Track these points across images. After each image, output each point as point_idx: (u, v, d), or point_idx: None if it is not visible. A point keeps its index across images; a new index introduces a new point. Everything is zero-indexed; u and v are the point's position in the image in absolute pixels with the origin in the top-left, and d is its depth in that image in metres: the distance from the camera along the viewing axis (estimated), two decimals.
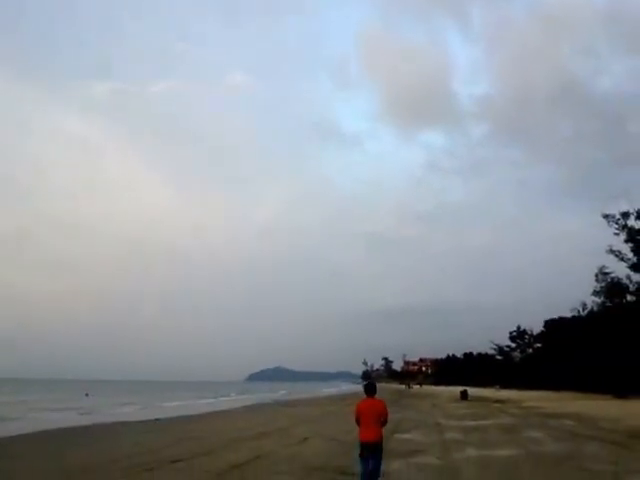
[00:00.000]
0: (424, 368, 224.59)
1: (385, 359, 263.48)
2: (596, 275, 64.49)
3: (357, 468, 10.63)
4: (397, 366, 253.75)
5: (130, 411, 43.96)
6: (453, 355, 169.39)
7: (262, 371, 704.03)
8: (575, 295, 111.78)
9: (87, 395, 79.70)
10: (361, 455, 9.96)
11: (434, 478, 11.51)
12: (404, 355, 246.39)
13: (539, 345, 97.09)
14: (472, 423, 25.51)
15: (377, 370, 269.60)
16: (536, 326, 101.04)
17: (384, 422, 10.03)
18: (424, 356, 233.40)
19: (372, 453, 9.90)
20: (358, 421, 10.11)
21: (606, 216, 58.80)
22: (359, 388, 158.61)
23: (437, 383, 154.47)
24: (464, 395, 57.50)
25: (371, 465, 9.87)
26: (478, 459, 13.84)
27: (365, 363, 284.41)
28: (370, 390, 10.33)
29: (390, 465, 13.07)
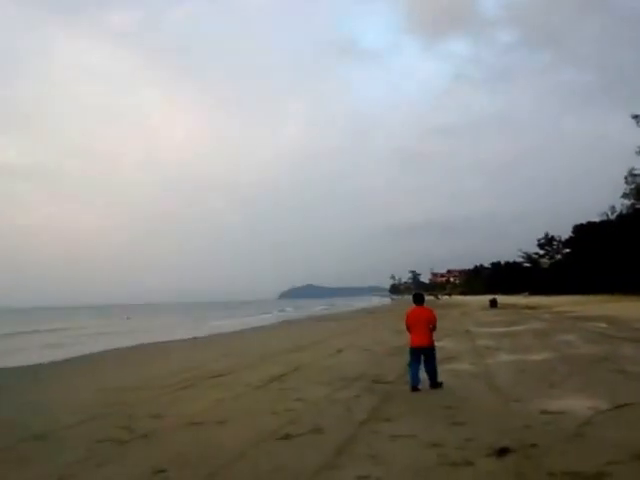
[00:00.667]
0: (452, 279, 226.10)
1: (413, 272, 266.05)
2: (625, 177, 63.04)
3: (407, 375, 11.45)
4: (425, 279, 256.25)
5: (170, 331, 45.16)
6: (481, 265, 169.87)
7: (294, 289, 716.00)
8: (604, 199, 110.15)
9: (128, 318, 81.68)
10: (411, 360, 11.08)
11: (471, 383, 11.62)
12: (431, 268, 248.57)
13: (568, 251, 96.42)
14: (503, 329, 25.72)
15: (405, 283, 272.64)
16: (565, 232, 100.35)
17: (433, 328, 11.23)
18: (452, 268, 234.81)
19: (425, 356, 11.02)
20: (408, 328, 11.28)
21: (636, 117, 56.96)
22: (388, 301, 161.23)
23: (465, 293, 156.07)
24: (493, 303, 57.62)
25: (427, 367, 11.03)
26: (512, 363, 13.96)
27: (393, 277, 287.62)
28: (418, 299, 11.57)
29: (423, 373, 13.26)
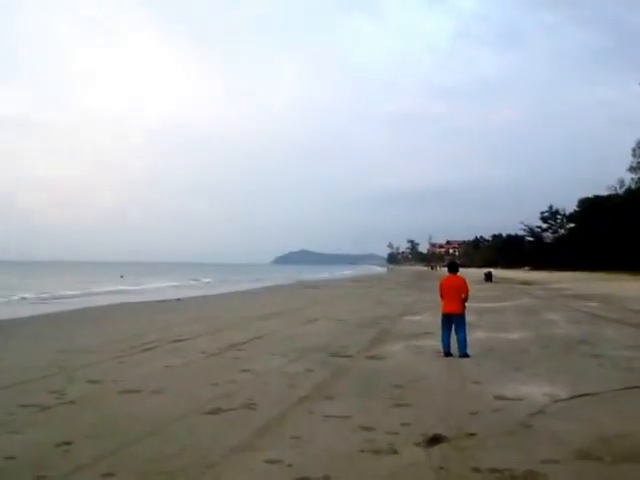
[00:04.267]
0: (451, 250, 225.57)
1: (411, 242, 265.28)
2: (633, 150, 60.44)
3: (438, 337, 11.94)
4: (423, 249, 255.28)
5: (155, 291, 44.90)
6: (481, 237, 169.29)
7: (288, 254, 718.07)
8: (612, 172, 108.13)
9: (122, 277, 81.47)
10: (443, 326, 11.72)
11: (433, 361, 11.15)
12: (430, 237, 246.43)
13: (572, 225, 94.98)
14: (489, 305, 25.24)
15: (403, 253, 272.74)
16: (569, 205, 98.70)
17: (465, 297, 11.72)
18: (451, 238, 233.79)
19: (455, 324, 11.51)
20: (442, 296, 11.88)
21: None
22: (382, 270, 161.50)
23: (465, 266, 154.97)
24: (488, 277, 56.91)
25: (457, 336, 11.49)
26: (483, 341, 13.47)
27: (390, 246, 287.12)
28: (452, 268, 12.17)
29: (390, 348, 12.82)
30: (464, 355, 11.32)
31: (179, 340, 14.13)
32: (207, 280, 72.27)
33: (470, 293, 12.17)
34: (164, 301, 31.67)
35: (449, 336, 11.53)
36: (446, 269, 12.83)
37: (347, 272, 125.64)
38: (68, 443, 6.00)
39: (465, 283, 11.88)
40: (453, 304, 11.62)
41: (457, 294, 11.65)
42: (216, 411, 7.31)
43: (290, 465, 5.33)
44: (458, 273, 12.20)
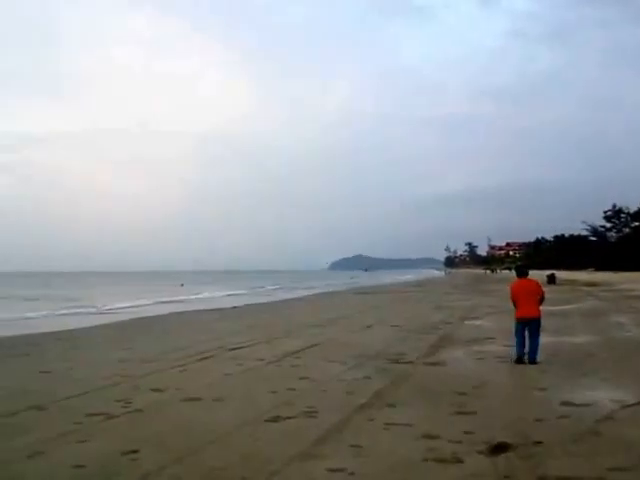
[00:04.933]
0: (511, 252, 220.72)
1: (469, 244, 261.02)
2: None
3: (513, 347, 11.48)
4: (482, 251, 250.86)
5: (213, 299, 45.55)
6: (542, 238, 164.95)
7: (344, 259, 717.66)
8: None
9: (182, 285, 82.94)
10: (517, 331, 11.39)
11: (496, 367, 10.96)
12: (489, 239, 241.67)
13: (637, 224, 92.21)
14: (553, 308, 24.50)
15: (460, 256, 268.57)
16: (633, 204, 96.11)
17: (542, 299, 11.55)
18: (511, 240, 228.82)
19: (530, 328, 11.21)
20: (515, 301, 11.56)
21: None
22: (439, 274, 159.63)
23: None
24: (551, 279, 55.24)
25: (530, 341, 11.19)
26: (548, 346, 13.06)
27: (448, 249, 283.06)
28: (522, 272, 11.99)
29: (451, 354, 12.64)
30: (533, 361, 11.04)
31: (237, 348, 14.24)
32: (262, 287, 72.87)
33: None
34: (221, 309, 32.06)
35: (523, 342, 11.25)
36: (506, 271, 12.63)
37: (404, 277, 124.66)
38: (135, 451, 6.10)
39: (539, 286, 11.74)
40: (528, 308, 11.32)
41: (532, 297, 11.41)
42: (276, 419, 7.33)
43: (352, 473, 5.30)
44: (528, 276, 12.00)
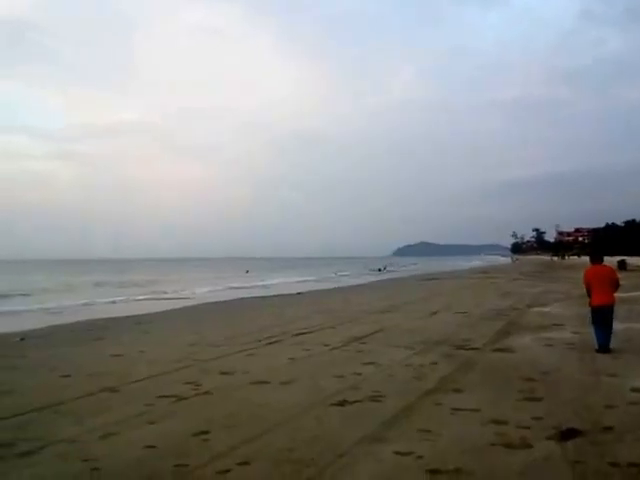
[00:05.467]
0: (580, 238, 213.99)
1: (536, 230, 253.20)
2: None
3: (592, 333, 11.25)
4: (549, 237, 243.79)
5: (278, 285, 46.09)
6: (612, 223, 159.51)
7: (408, 246, 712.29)
8: None
9: (247, 272, 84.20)
10: (593, 320, 11.10)
11: (565, 353, 10.73)
12: (557, 225, 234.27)
13: None
14: (624, 295, 23.63)
15: (528, 242, 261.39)
16: None
17: (616, 286, 11.28)
18: (579, 226, 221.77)
19: (604, 315, 10.91)
20: (589, 289, 11.29)
21: None
22: (505, 261, 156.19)
23: None
24: (622, 265, 53.23)
25: (603, 326, 10.90)
26: (619, 333, 12.68)
27: (514, 235, 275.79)
28: (596, 258, 11.59)
29: (518, 340, 12.44)
30: (606, 348, 10.71)
31: (302, 333, 14.40)
32: (327, 274, 73.17)
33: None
34: (286, 295, 32.43)
35: (603, 330, 10.90)
36: (575, 258, 12.27)
37: (469, 263, 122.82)
38: (205, 432, 6.28)
39: (614, 272, 11.49)
40: (604, 295, 11.02)
41: (607, 284, 11.12)
42: (342, 403, 7.39)
43: (420, 457, 5.32)
44: (603, 262, 11.66)
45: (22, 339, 15.70)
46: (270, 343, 13.02)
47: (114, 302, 31.78)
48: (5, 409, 7.53)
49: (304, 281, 54.15)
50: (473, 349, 11.39)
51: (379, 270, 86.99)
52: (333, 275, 70.91)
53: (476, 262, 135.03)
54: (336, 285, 44.69)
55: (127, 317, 21.71)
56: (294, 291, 35.51)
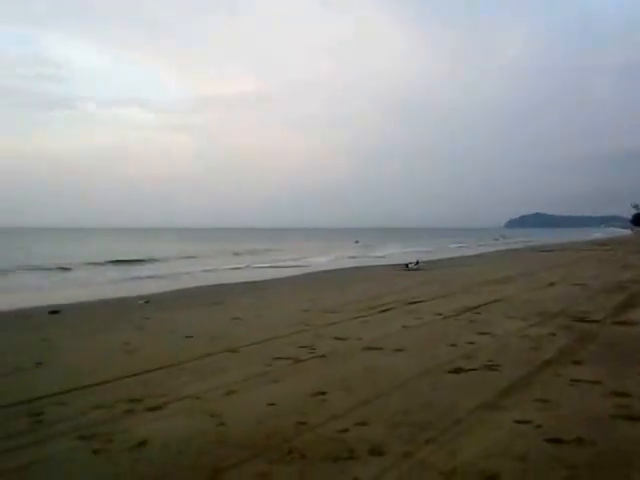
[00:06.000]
0: None
1: None
2: None
3: None
4: None
5: (388, 256, 46.11)
6: None
7: (521, 217, 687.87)
8: None
9: (357, 242, 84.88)
10: None
11: None
12: None
13: None
14: None
15: None
16: None
17: None
18: None
19: None
20: None
21: None
22: (626, 232, 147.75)
23: None
24: None
25: None
26: None
27: (636, 206, 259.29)
28: None
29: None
30: None
31: (414, 302, 14.42)
32: (440, 245, 72.18)
33: None
34: (396, 265, 32.38)
35: None
36: None
37: (586, 235, 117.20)
38: (323, 393, 6.48)
39: None
40: None
41: None
42: (457, 371, 7.38)
43: (540, 426, 5.26)
44: None
45: (147, 302, 16.74)
46: (383, 311, 13.14)
47: (234, 269, 33.17)
48: (133, 366, 8.09)
49: (417, 252, 53.78)
50: (593, 321, 10.97)
51: (495, 240, 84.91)
52: (448, 246, 69.86)
53: (596, 234, 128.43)
54: (450, 255, 44.12)
55: (245, 283, 22.63)
56: (406, 261, 35.39)
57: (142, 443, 5.12)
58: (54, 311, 14.81)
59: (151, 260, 42.10)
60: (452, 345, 9.01)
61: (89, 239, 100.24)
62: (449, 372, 7.34)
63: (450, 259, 39.42)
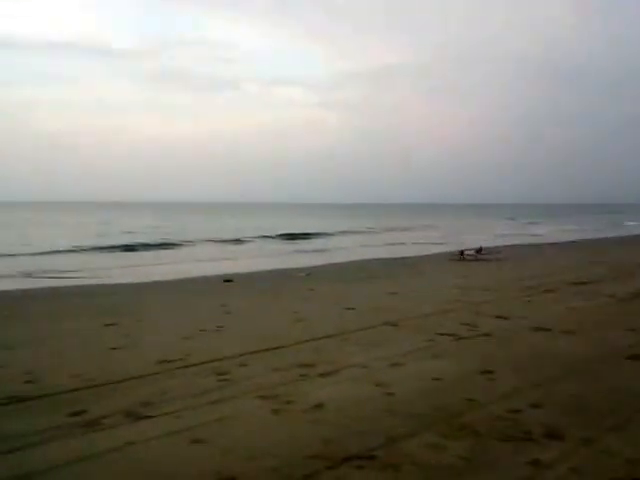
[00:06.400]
0: None
1: None
2: None
3: None
4: None
5: (548, 233, 44.10)
6: None
7: None
8: None
9: (512, 219, 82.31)
10: None
11: None
12: None
13: None
14: None
15: None
16: None
17: None
18: None
19: None
20: None
21: None
22: None
23: None
24: None
25: None
26: None
27: None
28: None
29: None
30: None
31: (580, 283, 13.72)
32: (601, 223, 67.57)
33: None
34: (559, 244, 30.96)
35: None
36: None
37: None
38: (490, 372, 6.31)
39: None
40: None
41: None
42: (637, 357, 6.91)
43: None
44: None
45: (308, 274, 17.29)
46: (547, 291, 12.63)
47: (394, 244, 33.53)
48: (303, 334, 8.39)
49: (573, 230, 50.94)
50: None
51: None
52: (624, 223, 65.26)
53: None
54: (612, 235, 41.26)
55: (399, 258, 22.70)
56: (566, 240, 33.73)
57: (318, 406, 5.29)
58: (228, 280, 15.77)
59: (317, 235, 43.50)
60: (631, 330, 8.44)
61: (259, 214, 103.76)
62: (629, 358, 6.88)
63: (613, 238, 36.97)
